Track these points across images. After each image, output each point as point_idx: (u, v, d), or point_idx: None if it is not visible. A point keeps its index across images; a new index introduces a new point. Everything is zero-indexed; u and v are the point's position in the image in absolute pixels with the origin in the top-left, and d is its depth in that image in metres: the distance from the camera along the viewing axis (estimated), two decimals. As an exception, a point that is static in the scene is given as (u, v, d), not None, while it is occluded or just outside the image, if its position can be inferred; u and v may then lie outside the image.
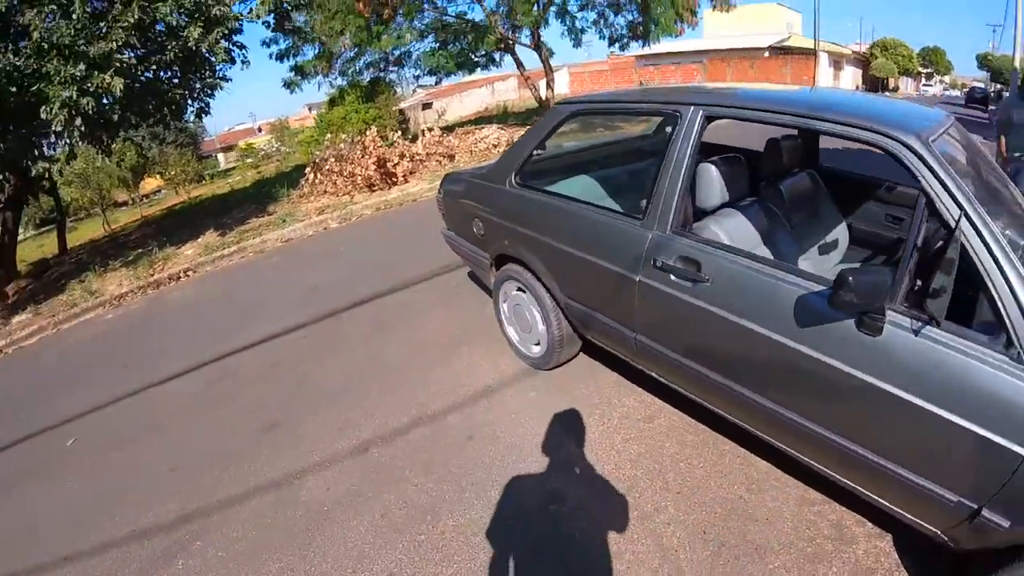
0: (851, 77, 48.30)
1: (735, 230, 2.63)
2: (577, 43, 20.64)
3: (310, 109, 32.81)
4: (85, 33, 7.75)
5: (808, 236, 3.01)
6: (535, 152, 3.47)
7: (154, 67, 9.59)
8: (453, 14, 17.82)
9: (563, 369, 3.51)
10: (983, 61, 59.16)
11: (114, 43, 7.97)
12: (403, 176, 11.52)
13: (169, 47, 9.13)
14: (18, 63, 7.64)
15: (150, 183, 32.67)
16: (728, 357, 2.38)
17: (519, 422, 3.17)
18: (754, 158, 3.15)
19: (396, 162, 11.55)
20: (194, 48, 9.17)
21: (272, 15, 11.62)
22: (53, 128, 8.03)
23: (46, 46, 7.61)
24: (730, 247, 2.38)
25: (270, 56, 15.72)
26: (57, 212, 15.21)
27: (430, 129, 13.03)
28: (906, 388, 1.85)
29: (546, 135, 3.36)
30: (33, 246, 13.26)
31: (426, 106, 39.76)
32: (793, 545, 2.27)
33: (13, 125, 8.61)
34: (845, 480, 2.15)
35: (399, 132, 14.48)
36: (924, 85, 60.39)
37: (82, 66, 7.69)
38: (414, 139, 13.17)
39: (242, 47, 10.71)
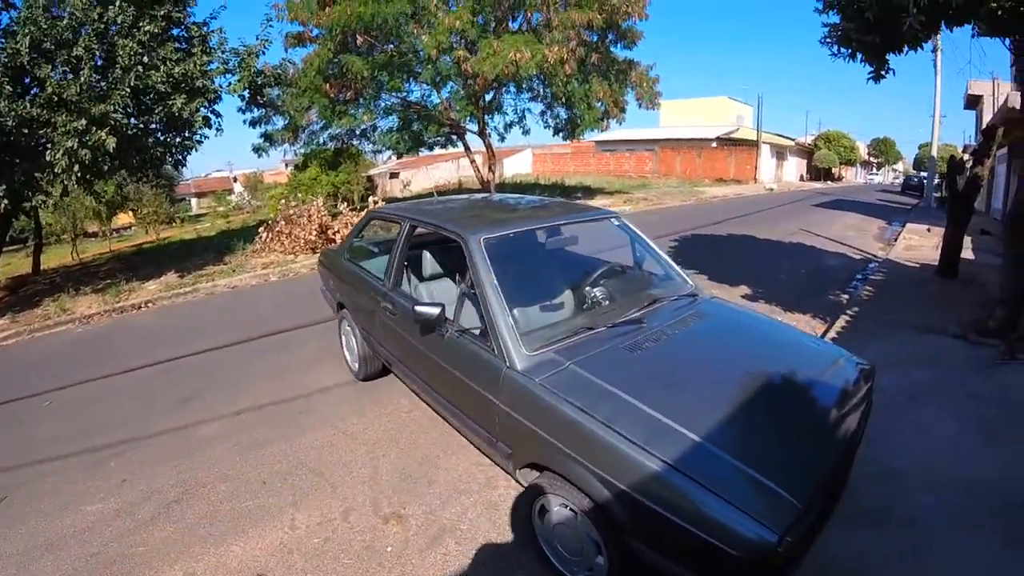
0: (795, 167, 51.48)
1: (437, 290, 4.58)
2: (525, 132, 23.03)
3: (286, 165, 34.26)
4: (89, 93, 9.35)
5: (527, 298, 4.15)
6: (354, 239, 5.61)
7: (141, 126, 11.08)
8: (412, 100, 19.90)
9: (377, 382, 5.41)
10: (921, 150, 63.26)
11: (112, 105, 9.59)
12: (341, 242, 13.31)
13: (156, 110, 10.74)
14: (32, 112, 9.13)
15: (122, 218, 33.98)
16: (405, 353, 4.23)
17: (333, 406, 5.13)
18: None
19: (336, 230, 13.48)
20: (177, 113, 10.73)
21: (247, 90, 13.16)
22: (55, 170, 9.52)
23: (56, 99, 9.14)
24: (407, 296, 4.21)
25: (244, 122, 17.27)
26: (36, 235, 16.56)
27: (376, 202, 14.89)
28: (454, 366, 3.42)
29: (360, 229, 5.57)
30: (-1, 263, 14.66)
31: (393, 175, 41.64)
32: (454, 483, 3.82)
33: (20, 160, 10.01)
34: (463, 433, 3.75)
35: (345, 203, 16.32)
36: (870, 175, 64.38)
37: (83, 121, 9.23)
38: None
39: (218, 115, 12.36)
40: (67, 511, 3.95)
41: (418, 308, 3.37)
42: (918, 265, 9.62)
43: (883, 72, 6.66)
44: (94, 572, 3.33)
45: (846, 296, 7.84)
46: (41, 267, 16.23)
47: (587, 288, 4.04)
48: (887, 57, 6.53)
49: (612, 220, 4.46)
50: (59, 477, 4.42)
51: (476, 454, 4.05)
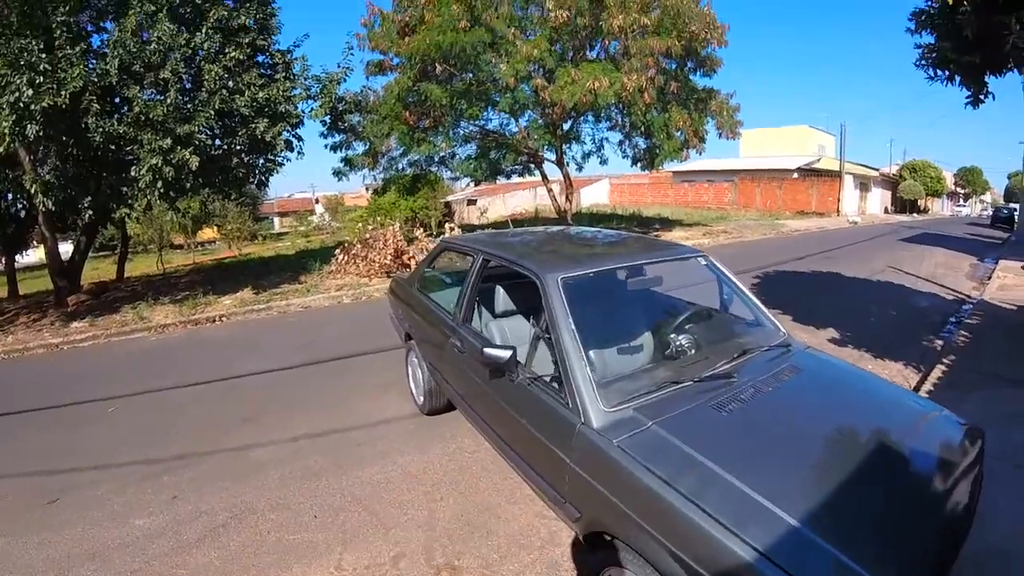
0: (879, 199, 49.26)
1: (509, 327, 4.23)
2: (603, 161, 22.79)
3: (367, 189, 34.95)
4: (175, 114, 9.70)
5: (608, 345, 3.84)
6: (426, 269, 5.41)
7: (224, 147, 11.55)
8: (490, 128, 20.06)
9: (442, 417, 5.17)
10: (1011, 180, 59.83)
11: (197, 126, 9.93)
12: (413, 269, 13.31)
13: (240, 133, 11.15)
14: (120, 129, 9.62)
15: (207, 232, 35.45)
16: (471, 393, 3.98)
17: (394, 440, 4.92)
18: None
19: (411, 255, 13.52)
20: (260, 136, 11.11)
21: (328, 115, 13.48)
22: (139, 185, 9.94)
23: (143, 118, 9.52)
24: (477, 334, 3.95)
25: (325, 146, 17.62)
26: (121, 245, 17.33)
27: (452, 229, 14.96)
28: (522, 415, 3.12)
29: (432, 259, 5.37)
30: (87, 268, 14.79)
31: (471, 201, 42.12)
32: (514, 536, 3.53)
33: (106, 174, 10.71)
34: (529, 485, 3.31)
35: (422, 228, 16.43)
36: (957, 206, 61.36)
37: (168, 140, 9.61)
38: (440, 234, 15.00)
39: (300, 139, 12.74)
40: (115, 522, 3.89)
41: (487, 350, 3.10)
42: (1015, 307, 8.84)
43: (982, 96, 6.26)
44: (132, 590, 3.18)
45: (940, 342, 7.22)
46: (125, 275, 16.88)
47: (672, 335, 3.65)
48: (986, 80, 6.16)
49: (699, 259, 4.05)
50: (111, 486, 4.38)
51: (540, 504, 3.71)
